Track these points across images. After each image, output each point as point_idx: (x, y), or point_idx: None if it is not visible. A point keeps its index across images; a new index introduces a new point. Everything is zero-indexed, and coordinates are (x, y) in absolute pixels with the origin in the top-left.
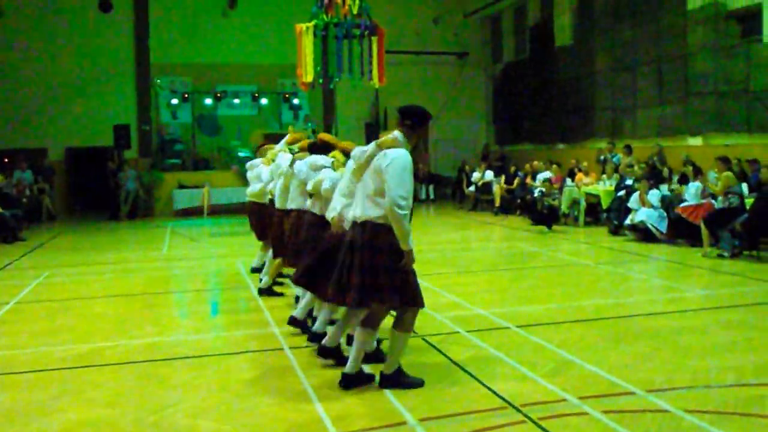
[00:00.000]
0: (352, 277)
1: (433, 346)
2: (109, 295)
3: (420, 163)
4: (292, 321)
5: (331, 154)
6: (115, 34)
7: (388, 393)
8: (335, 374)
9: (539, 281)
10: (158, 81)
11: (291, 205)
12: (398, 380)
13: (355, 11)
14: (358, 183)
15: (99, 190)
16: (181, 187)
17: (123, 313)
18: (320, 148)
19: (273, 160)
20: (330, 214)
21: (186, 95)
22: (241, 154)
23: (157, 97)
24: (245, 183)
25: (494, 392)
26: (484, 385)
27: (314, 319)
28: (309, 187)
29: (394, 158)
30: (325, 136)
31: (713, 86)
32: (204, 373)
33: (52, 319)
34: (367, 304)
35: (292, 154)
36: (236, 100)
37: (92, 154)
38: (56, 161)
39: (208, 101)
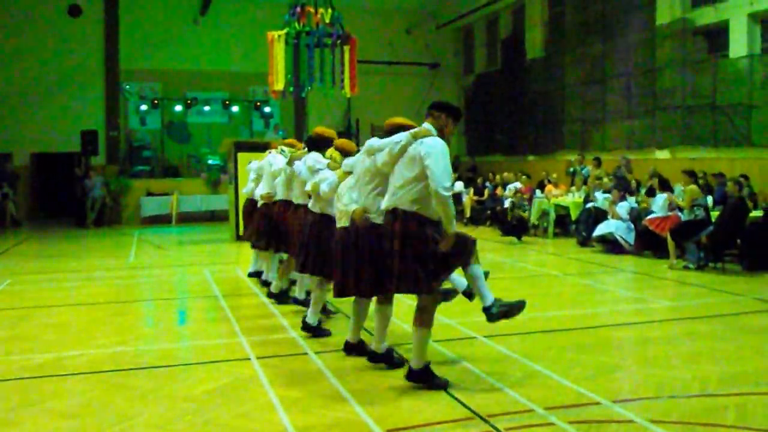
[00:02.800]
0: (394, 264)
1: (400, 356)
2: (74, 304)
3: None
4: (306, 327)
5: (327, 154)
6: (84, 38)
7: (354, 403)
8: (301, 385)
9: (507, 292)
10: (127, 87)
11: (298, 200)
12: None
13: (327, 20)
14: (389, 174)
15: (65, 196)
16: (150, 194)
17: (87, 322)
18: (316, 142)
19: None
20: (351, 207)
21: (155, 101)
22: (210, 162)
23: (126, 103)
24: (215, 191)
25: (461, 402)
26: (450, 395)
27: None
28: (308, 188)
29: (433, 145)
30: (321, 129)
31: (681, 100)
32: (169, 383)
33: (14, 328)
34: (406, 291)
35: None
36: (206, 108)
37: (59, 159)
38: (21, 166)
39: (178, 108)
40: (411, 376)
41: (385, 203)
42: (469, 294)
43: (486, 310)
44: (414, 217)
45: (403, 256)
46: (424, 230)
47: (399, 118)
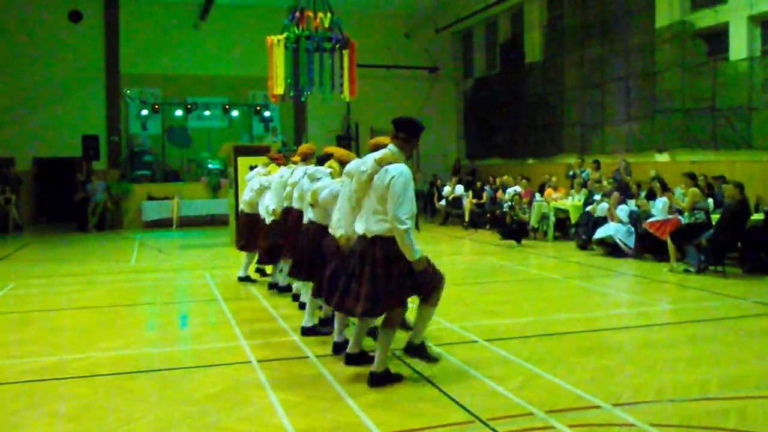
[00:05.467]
0: (363, 288)
1: (401, 360)
2: (76, 307)
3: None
4: (305, 331)
5: (327, 164)
6: (85, 44)
7: (355, 407)
8: (302, 388)
9: (508, 295)
10: (128, 92)
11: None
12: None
13: (326, 24)
14: (363, 199)
15: (67, 201)
16: (150, 198)
17: (89, 326)
18: (323, 159)
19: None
20: (338, 232)
21: (156, 106)
22: (211, 166)
23: (126, 108)
24: (215, 195)
25: (462, 406)
26: (451, 398)
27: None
28: (308, 198)
29: (395, 175)
30: (330, 149)
31: (680, 103)
32: (170, 386)
33: (17, 331)
34: (379, 313)
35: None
36: (207, 112)
37: (60, 164)
38: (24, 171)
39: (179, 113)
40: (374, 380)
41: (360, 228)
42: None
43: (410, 344)
44: (391, 240)
45: (388, 279)
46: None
47: (382, 138)
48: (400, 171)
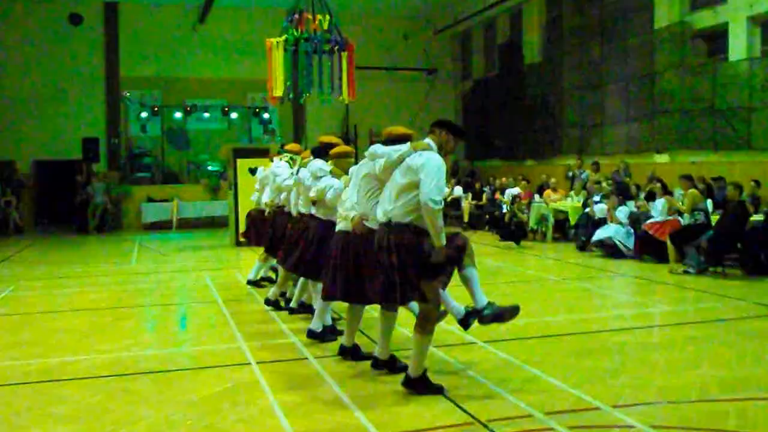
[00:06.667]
0: (395, 276)
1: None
2: (76, 309)
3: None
4: (311, 334)
5: (330, 164)
6: (84, 47)
7: (354, 408)
8: (301, 390)
9: (507, 297)
10: (128, 94)
11: (302, 209)
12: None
13: (325, 26)
14: (386, 181)
15: (67, 203)
16: (150, 200)
17: (89, 327)
18: (321, 150)
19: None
20: (351, 213)
21: (155, 109)
22: (210, 168)
23: (126, 111)
24: (214, 197)
25: (461, 408)
26: (450, 400)
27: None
28: (312, 194)
29: (429, 157)
30: (325, 138)
31: (680, 104)
32: (170, 388)
33: (17, 333)
34: (403, 301)
35: (290, 161)
36: (206, 114)
37: (60, 167)
38: (24, 174)
39: (178, 115)
40: (408, 383)
41: (379, 214)
42: (464, 323)
43: (478, 312)
44: (408, 228)
45: (401, 268)
46: (419, 239)
47: (399, 127)
48: (434, 156)
